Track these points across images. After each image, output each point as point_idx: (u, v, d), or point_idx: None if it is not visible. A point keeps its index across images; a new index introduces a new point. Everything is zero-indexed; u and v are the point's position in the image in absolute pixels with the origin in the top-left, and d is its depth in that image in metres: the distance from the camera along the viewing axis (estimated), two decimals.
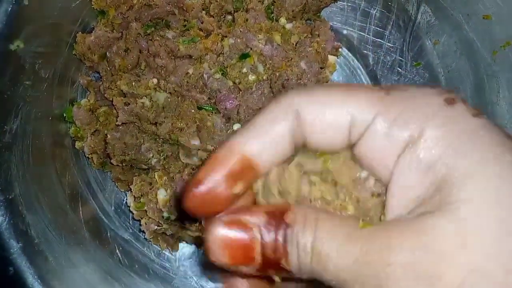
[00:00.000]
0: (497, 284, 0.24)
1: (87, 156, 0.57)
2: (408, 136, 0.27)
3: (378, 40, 0.61)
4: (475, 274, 0.24)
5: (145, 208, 0.53)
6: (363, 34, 0.60)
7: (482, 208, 0.25)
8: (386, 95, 0.29)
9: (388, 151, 0.29)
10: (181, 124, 0.50)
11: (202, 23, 0.52)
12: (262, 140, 0.30)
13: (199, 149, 0.50)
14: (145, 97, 0.51)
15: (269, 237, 0.28)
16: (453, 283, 0.25)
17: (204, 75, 0.50)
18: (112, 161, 0.53)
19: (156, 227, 0.54)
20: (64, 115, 0.56)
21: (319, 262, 0.27)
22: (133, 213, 0.55)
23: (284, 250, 0.28)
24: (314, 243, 0.27)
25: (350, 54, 0.61)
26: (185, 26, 0.52)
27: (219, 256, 0.28)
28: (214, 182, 0.29)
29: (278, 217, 0.28)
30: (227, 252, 0.28)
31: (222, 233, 0.28)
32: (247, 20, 0.50)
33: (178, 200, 0.52)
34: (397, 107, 0.28)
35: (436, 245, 0.25)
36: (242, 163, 0.29)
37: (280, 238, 0.28)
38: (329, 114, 0.30)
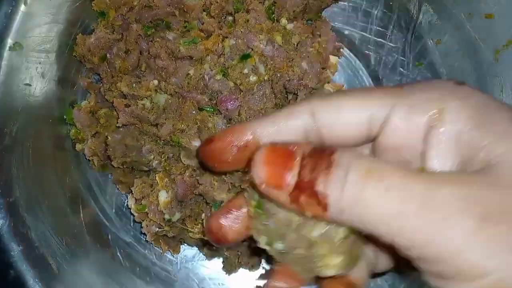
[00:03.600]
0: None
1: (87, 158, 0.57)
2: (428, 116, 0.31)
3: (380, 40, 0.60)
4: None
5: (146, 210, 0.52)
6: (365, 34, 0.60)
7: None
8: (400, 88, 0.32)
9: (412, 135, 0.31)
10: (182, 126, 0.50)
11: (202, 24, 0.52)
12: (276, 129, 0.34)
13: None
14: (145, 99, 0.51)
15: (311, 159, 0.30)
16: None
17: (205, 76, 0.49)
18: (112, 163, 0.53)
19: (157, 229, 0.54)
20: (65, 117, 0.56)
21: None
22: (134, 216, 0.55)
23: (327, 168, 0.29)
24: (370, 173, 0.28)
25: (351, 55, 0.60)
26: (185, 27, 0.52)
27: (259, 170, 0.31)
28: (222, 145, 0.34)
29: (324, 152, 0.30)
30: (267, 164, 0.31)
31: (266, 148, 0.31)
32: (247, 20, 0.50)
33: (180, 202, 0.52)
34: (413, 95, 0.32)
35: (500, 188, 0.28)
36: (251, 141, 0.34)
37: (323, 164, 0.29)
38: (345, 116, 0.33)
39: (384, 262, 0.39)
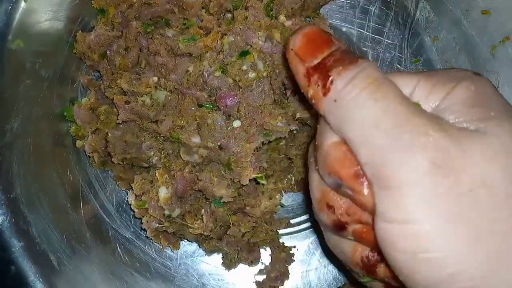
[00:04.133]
0: (498, 201, 0.29)
1: (88, 155, 0.57)
2: (446, 93, 0.33)
3: (377, 37, 0.61)
4: (485, 187, 0.29)
5: (146, 206, 0.53)
6: (362, 31, 0.61)
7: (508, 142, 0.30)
8: (423, 72, 0.36)
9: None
10: (182, 122, 0.50)
11: (201, 21, 0.52)
12: None
13: (199, 147, 0.50)
14: (145, 95, 0.51)
15: (341, 53, 0.34)
16: (466, 184, 0.29)
17: (204, 72, 0.50)
18: (113, 159, 0.53)
19: (157, 225, 0.54)
20: (65, 114, 0.56)
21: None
22: (134, 212, 0.55)
23: (348, 64, 0.33)
24: (373, 82, 0.32)
25: None
26: (184, 24, 0.53)
27: (297, 38, 0.35)
28: None
29: (355, 55, 0.34)
30: (306, 38, 0.35)
31: (314, 28, 0.36)
32: (246, 17, 0.50)
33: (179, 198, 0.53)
34: (434, 77, 0.34)
35: (468, 147, 0.30)
36: None
37: (347, 60, 0.33)
38: None
39: None
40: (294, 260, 0.59)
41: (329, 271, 0.60)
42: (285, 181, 0.59)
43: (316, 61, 0.34)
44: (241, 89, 0.49)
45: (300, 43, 0.35)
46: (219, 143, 0.49)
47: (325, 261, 0.60)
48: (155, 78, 0.51)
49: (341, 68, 0.32)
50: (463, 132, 0.31)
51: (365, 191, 0.32)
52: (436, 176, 0.29)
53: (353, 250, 0.37)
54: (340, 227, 0.36)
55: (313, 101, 0.34)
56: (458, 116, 0.32)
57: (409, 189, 0.29)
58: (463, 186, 0.29)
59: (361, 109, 0.31)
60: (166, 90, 0.51)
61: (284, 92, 0.51)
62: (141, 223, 0.55)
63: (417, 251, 0.29)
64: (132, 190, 0.54)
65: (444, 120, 0.32)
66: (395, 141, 0.30)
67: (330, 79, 0.32)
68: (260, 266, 0.59)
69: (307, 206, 0.60)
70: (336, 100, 0.32)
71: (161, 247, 0.58)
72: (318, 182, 0.37)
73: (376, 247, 0.34)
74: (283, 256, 0.59)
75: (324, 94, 0.33)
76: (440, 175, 0.29)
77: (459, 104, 0.32)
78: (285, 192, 0.59)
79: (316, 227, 0.59)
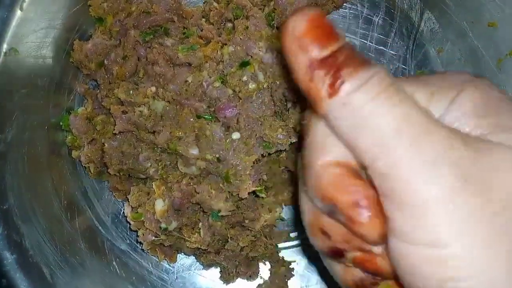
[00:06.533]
0: None
1: (83, 165, 0.56)
2: (448, 102, 0.30)
3: (381, 48, 0.60)
4: None
5: (143, 218, 0.52)
6: (366, 42, 0.60)
7: None
8: (417, 78, 0.32)
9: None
10: (180, 133, 0.50)
11: (201, 30, 0.52)
12: None
13: (197, 159, 0.50)
14: (143, 106, 0.51)
15: (349, 50, 0.29)
16: (498, 201, 0.27)
17: (204, 83, 0.49)
18: (109, 170, 0.53)
19: (153, 238, 0.53)
20: (61, 123, 0.55)
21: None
22: (130, 224, 0.54)
23: (360, 64, 0.29)
24: (389, 87, 0.28)
25: None
26: (184, 33, 0.52)
27: (299, 20, 0.29)
28: None
29: (363, 55, 0.30)
30: (310, 21, 0.29)
31: (320, 12, 0.30)
32: (247, 27, 0.49)
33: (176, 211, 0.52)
34: (432, 84, 0.31)
35: (494, 161, 0.27)
36: None
37: (358, 61, 0.29)
38: None
39: None
40: (294, 275, 0.58)
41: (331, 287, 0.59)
42: (285, 194, 0.58)
43: (324, 53, 0.28)
44: (240, 100, 0.49)
45: (304, 27, 0.29)
46: (217, 155, 0.49)
47: (326, 276, 0.59)
48: (153, 88, 0.50)
49: (352, 69, 0.28)
50: (487, 144, 0.28)
51: (365, 220, 0.29)
52: (466, 194, 0.26)
53: (345, 273, 0.35)
54: (337, 254, 0.33)
55: (311, 98, 0.30)
56: (469, 130, 0.30)
57: (436, 208, 0.26)
58: (496, 204, 0.26)
59: (379, 115, 0.28)
60: (164, 100, 0.50)
61: (285, 103, 0.51)
62: (137, 235, 0.54)
63: (445, 279, 0.26)
64: (128, 201, 0.53)
65: (462, 132, 0.29)
66: (417, 153, 0.27)
67: (340, 79, 0.28)
68: (259, 281, 0.58)
69: (296, 223, 0.59)
70: (345, 104, 0.28)
71: (158, 260, 0.57)
72: (311, 204, 0.33)
73: (382, 276, 0.32)
74: (282, 271, 0.58)
75: (330, 96, 0.28)
76: (470, 192, 0.26)
77: (467, 116, 0.30)
78: (285, 205, 0.58)
79: None
